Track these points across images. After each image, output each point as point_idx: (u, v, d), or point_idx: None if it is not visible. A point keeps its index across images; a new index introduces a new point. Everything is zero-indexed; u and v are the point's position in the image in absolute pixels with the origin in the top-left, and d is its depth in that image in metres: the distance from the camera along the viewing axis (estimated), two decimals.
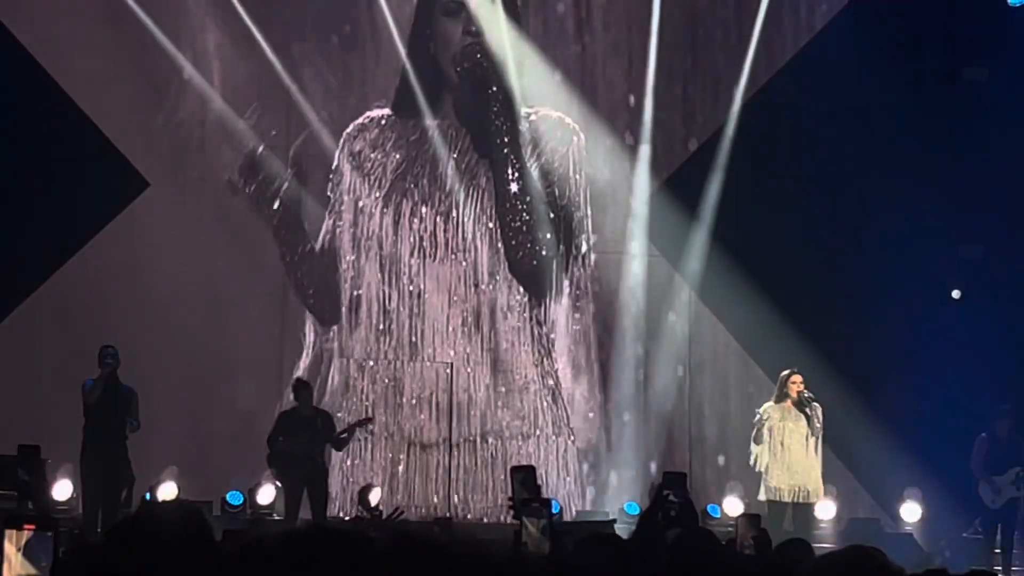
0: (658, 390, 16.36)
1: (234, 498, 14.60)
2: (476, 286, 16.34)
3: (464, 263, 16.33)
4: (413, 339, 16.17)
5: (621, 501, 15.59)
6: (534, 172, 16.53)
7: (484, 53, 16.35)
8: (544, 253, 16.40)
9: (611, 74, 16.71)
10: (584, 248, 16.58)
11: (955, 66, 16.29)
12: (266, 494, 14.70)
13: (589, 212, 16.59)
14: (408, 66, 16.40)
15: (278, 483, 14.16)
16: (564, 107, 16.53)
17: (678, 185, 16.46)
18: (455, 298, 16.30)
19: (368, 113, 16.48)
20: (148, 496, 13.61)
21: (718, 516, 14.94)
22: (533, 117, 16.61)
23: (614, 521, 14.06)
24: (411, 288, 16.24)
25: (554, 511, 13.22)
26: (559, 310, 16.39)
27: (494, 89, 16.41)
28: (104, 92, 15.48)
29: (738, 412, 16.28)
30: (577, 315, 16.42)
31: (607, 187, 16.53)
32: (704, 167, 16.38)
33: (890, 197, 16.00)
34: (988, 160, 15.84)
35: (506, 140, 16.45)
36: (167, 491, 14.10)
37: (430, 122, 16.44)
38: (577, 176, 16.61)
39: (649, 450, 16.19)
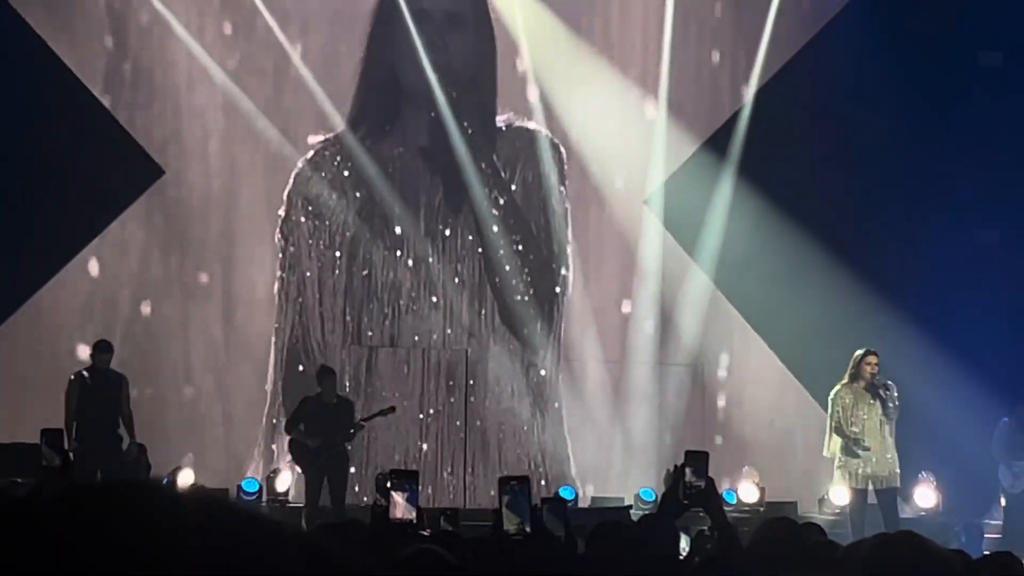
0: (672, 377, 16.35)
1: (250, 485, 14.58)
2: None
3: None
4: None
5: (636, 487, 15.58)
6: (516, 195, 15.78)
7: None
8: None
9: (627, 54, 16.55)
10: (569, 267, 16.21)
11: (970, 50, 16.24)
12: (283, 481, 14.69)
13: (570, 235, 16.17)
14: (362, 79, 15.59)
15: (298, 469, 13.98)
16: (584, 79, 16.13)
17: (695, 167, 16.44)
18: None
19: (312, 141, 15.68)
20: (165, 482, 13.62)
21: (733, 502, 14.88)
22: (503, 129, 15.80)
23: (630, 507, 14.03)
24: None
25: (569, 497, 13.32)
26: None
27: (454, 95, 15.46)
28: (117, 77, 15.50)
29: (752, 399, 16.26)
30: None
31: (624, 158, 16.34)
32: (719, 151, 16.35)
33: (906, 181, 15.97)
34: (1004, 144, 15.82)
35: (483, 166, 15.60)
36: (184, 479, 14.12)
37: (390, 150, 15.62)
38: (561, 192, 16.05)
39: (664, 437, 16.19)
